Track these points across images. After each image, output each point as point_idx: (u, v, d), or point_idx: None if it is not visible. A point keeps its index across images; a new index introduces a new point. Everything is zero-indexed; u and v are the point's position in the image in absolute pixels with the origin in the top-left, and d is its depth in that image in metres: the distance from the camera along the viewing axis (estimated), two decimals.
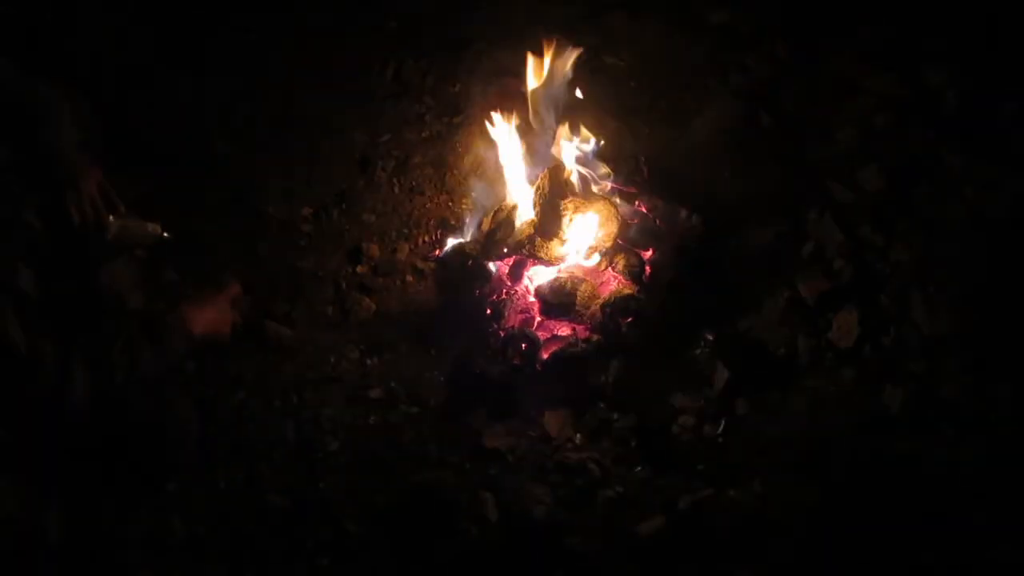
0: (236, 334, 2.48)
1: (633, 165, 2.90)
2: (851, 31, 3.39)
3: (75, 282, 2.35)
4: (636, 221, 2.79)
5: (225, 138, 3.30)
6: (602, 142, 2.87)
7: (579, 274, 2.76)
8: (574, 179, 2.76)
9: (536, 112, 2.90)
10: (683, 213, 2.81)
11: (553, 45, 2.88)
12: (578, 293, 2.68)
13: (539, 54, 2.91)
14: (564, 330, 2.68)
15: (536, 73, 2.89)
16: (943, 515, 2.20)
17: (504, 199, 2.89)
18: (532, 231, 2.74)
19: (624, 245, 2.77)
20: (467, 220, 2.95)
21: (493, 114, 2.94)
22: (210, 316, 2.37)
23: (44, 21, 2.79)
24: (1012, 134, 2.91)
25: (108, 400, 2.02)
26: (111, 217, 2.45)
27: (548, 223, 2.71)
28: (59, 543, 1.99)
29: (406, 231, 3.04)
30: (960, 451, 2.31)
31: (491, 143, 3.01)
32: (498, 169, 2.95)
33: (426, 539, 2.32)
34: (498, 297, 2.72)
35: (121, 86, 3.26)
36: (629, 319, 2.62)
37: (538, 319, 2.72)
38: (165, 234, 2.56)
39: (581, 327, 2.67)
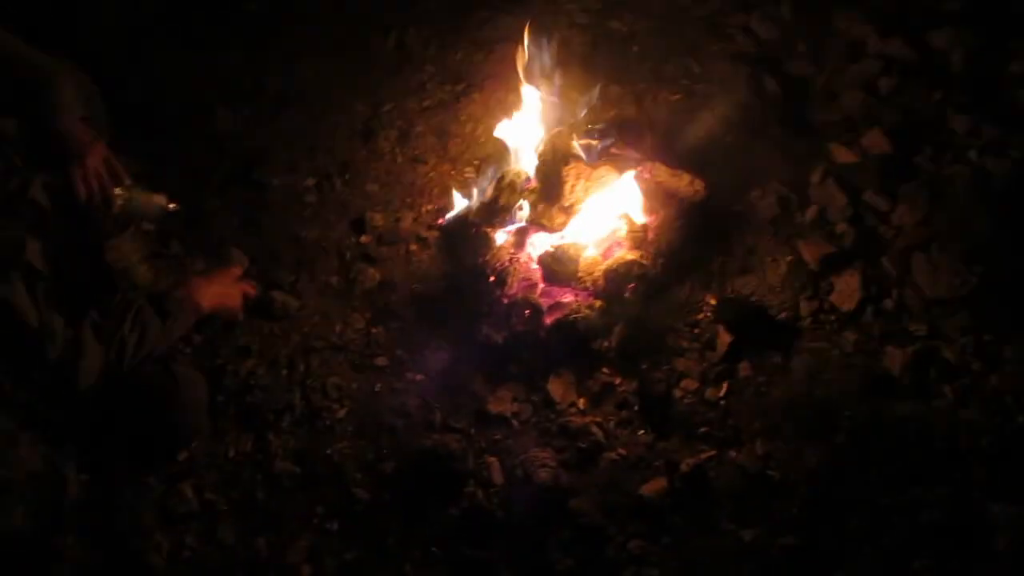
0: (248, 308, 2.51)
1: (636, 130, 2.89)
2: None
3: (84, 256, 2.38)
4: (639, 187, 2.79)
5: (228, 111, 3.31)
6: (605, 108, 2.86)
7: (581, 240, 2.76)
8: (576, 145, 2.76)
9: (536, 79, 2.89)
10: (685, 178, 2.80)
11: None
12: (580, 259, 2.69)
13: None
14: (567, 296, 2.69)
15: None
16: (943, 475, 2.22)
17: (507, 167, 2.88)
18: (535, 198, 2.74)
19: (627, 211, 2.77)
20: (470, 188, 2.95)
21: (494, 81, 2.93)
22: (219, 291, 2.40)
23: None
24: (1017, 95, 2.89)
25: (119, 372, 2.06)
26: (117, 189, 2.47)
27: (551, 190, 2.72)
28: (78, 499, 2.04)
29: (409, 200, 3.05)
30: (961, 412, 2.33)
31: (493, 110, 3.01)
32: (501, 136, 2.94)
33: (433, 503, 2.37)
34: (501, 265, 2.72)
35: (125, 60, 3.27)
36: (632, 284, 2.63)
37: (541, 286, 2.72)
38: (172, 205, 2.58)
39: (584, 293, 2.68)
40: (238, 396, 2.58)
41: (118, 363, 2.03)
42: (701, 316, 2.64)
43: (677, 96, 3.18)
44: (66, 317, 1.94)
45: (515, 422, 2.51)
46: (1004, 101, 2.90)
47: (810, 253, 2.65)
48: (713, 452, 2.37)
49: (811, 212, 2.76)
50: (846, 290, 2.57)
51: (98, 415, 2.16)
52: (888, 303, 2.55)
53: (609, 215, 2.78)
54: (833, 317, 2.57)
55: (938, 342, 2.44)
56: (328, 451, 2.48)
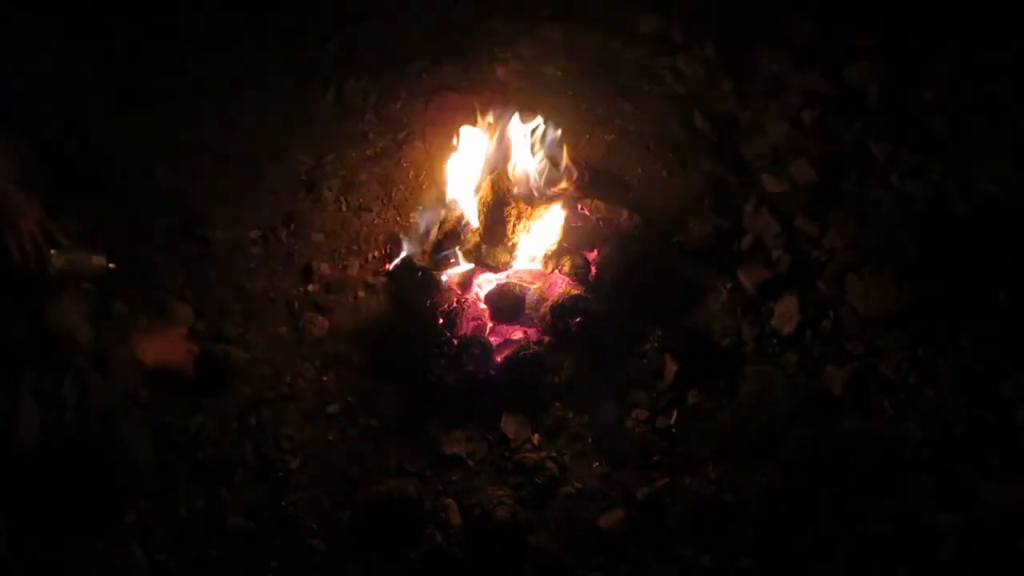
0: (198, 363, 2.47)
1: (574, 169, 2.96)
2: (777, 32, 3.52)
3: (21, 319, 2.34)
4: (579, 224, 2.85)
5: (169, 166, 3.29)
6: (542, 150, 2.93)
7: (527, 278, 2.80)
8: (515, 186, 2.82)
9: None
10: (624, 213, 2.88)
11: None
12: (527, 297, 2.72)
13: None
14: (516, 334, 2.72)
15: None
16: (888, 488, 2.28)
17: (449, 210, 2.92)
18: (478, 239, 2.78)
19: (569, 247, 2.82)
20: (415, 233, 2.98)
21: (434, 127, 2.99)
22: (162, 346, 2.37)
23: None
24: (932, 122, 3.06)
25: (59, 433, 2.01)
26: (53, 252, 2.44)
27: (493, 230, 2.76)
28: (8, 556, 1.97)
29: (356, 248, 3.06)
30: (901, 425, 2.41)
31: (434, 156, 3.06)
32: (442, 181, 2.99)
33: (392, 549, 2.34)
34: (449, 306, 2.74)
35: (61, 120, 3.24)
36: (578, 319, 2.66)
37: (490, 325, 2.75)
38: (111, 265, 2.55)
39: (532, 330, 2.71)
40: (188, 452, 2.53)
41: (58, 423, 1.99)
42: (648, 346, 2.69)
43: (611, 135, 3.28)
44: (2, 379, 1.91)
45: (470, 462, 2.51)
46: (920, 128, 3.06)
47: (749, 280, 2.74)
48: (667, 480, 2.40)
49: (747, 240, 2.86)
50: (785, 313, 2.66)
51: (39, 478, 2.11)
52: (826, 324, 2.64)
53: (551, 252, 2.83)
54: (774, 340, 2.65)
55: (875, 359, 2.53)
56: (283, 503, 2.44)
